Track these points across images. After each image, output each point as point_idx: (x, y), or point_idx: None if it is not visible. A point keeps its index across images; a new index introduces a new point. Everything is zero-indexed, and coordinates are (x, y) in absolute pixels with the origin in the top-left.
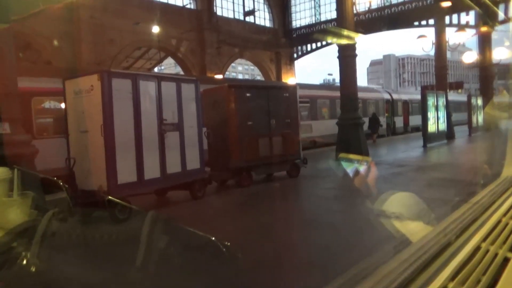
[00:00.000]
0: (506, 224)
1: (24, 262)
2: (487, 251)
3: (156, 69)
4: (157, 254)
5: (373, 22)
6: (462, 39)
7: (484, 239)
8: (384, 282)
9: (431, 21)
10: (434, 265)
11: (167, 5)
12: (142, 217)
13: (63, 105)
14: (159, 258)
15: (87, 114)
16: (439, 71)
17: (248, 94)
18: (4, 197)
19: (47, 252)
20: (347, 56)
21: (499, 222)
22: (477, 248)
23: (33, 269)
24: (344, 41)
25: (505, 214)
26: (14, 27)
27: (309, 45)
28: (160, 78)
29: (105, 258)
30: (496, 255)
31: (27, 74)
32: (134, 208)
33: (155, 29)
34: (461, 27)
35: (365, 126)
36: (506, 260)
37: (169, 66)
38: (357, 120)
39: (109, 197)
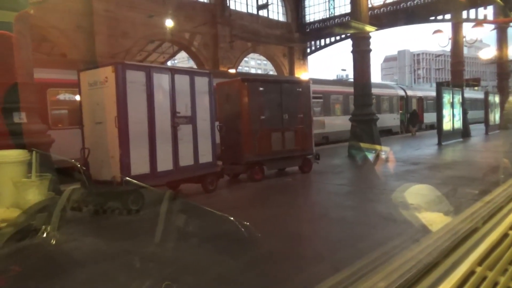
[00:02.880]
0: None
1: (45, 235)
2: None
3: (169, 63)
4: (175, 231)
5: (388, 17)
6: (480, 34)
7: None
8: (407, 265)
9: (448, 16)
10: (460, 250)
11: None
12: (158, 198)
13: (77, 97)
14: (177, 235)
15: (101, 105)
16: (455, 67)
17: (261, 88)
18: (23, 178)
19: (66, 225)
20: (361, 51)
21: None
22: (504, 235)
23: (53, 241)
24: (358, 36)
25: None
26: (30, 19)
27: (322, 40)
28: (174, 71)
29: (124, 232)
30: None
31: (42, 65)
32: (151, 189)
33: (169, 22)
34: (478, 22)
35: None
36: None
37: (182, 60)
38: (371, 116)
39: (127, 178)
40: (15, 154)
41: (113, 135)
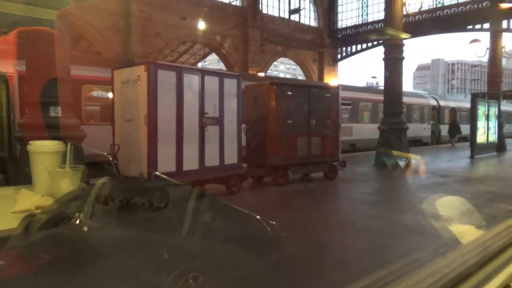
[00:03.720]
0: None
1: (77, 222)
2: None
3: (199, 64)
4: (202, 227)
5: (423, 24)
6: None
7: None
8: (432, 278)
9: (486, 25)
10: (492, 264)
11: (213, 1)
12: (186, 194)
13: (110, 94)
14: (204, 230)
15: (132, 103)
16: (492, 79)
17: (289, 93)
18: (58, 168)
19: (99, 214)
20: (393, 58)
21: None
22: None
23: (85, 228)
24: (391, 43)
25: None
26: (69, 18)
27: (353, 47)
28: (204, 72)
29: (151, 226)
30: None
31: (78, 63)
32: (178, 185)
33: (201, 24)
34: None
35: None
36: None
37: (212, 61)
38: (400, 125)
39: (156, 172)
40: (51, 145)
41: (143, 132)
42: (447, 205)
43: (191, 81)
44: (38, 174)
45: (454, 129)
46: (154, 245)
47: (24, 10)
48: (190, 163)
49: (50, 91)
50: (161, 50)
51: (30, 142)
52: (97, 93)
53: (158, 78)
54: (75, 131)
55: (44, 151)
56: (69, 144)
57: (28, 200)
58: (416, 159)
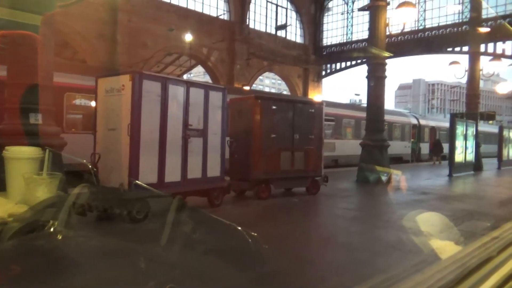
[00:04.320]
0: None
1: (51, 230)
2: None
3: (185, 76)
4: (182, 237)
5: (405, 45)
6: (497, 68)
7: None
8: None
9: (465, 48)
10: (475, 276)
11: (201, 14)
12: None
13: (93, 103)
14: (183, 240)
15: (116, 112)
16: (470, 99)
17: (274, 107)
18: (34, 175)
19: (74, 222)
20: (376, 76)
21: None
22: None
23: (59, 237)
24: (374, 61)
25: None
26: (55, 24)
27: (338, 64)
28: (189, 84)
29: (129, 236)
30: None
31: (62, 70)
32: (159, 195)
33: (188, 36)
34: (496, 56)
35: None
36: None
37: (198, 74)
38: (382, 142)
39: (136, 181)
40: (28, 151)
41: (125, 142)
42: (427, 221)
43: (176, 92)
44: (13, 181)
45: (438, 148)
46: (131, 255)
47: (8, 14)
48: (172, 174)
49: (31, 97)
50: (147, 61)
51: (6, 147)
52: (80, 101)
53: (143, 88)
54: (55, 139)
55: (20, 157)
56: (47, 150)
57: (1, 207)
58: (397, 175)
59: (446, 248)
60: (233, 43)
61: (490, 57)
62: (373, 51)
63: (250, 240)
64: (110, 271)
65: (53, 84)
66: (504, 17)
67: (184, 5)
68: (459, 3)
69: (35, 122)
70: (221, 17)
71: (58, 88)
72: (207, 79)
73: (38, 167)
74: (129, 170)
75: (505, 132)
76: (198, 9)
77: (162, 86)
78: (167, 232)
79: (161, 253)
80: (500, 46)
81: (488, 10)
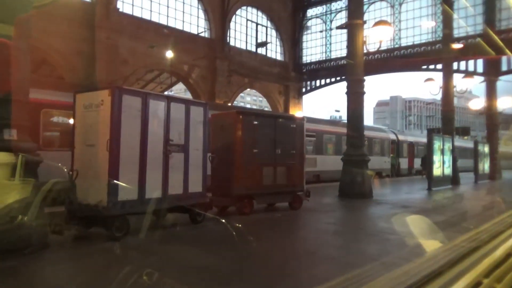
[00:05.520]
0: None
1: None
2: None
3: (166, 93)
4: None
5: (382, 63)
6: (469, 85)
7: None
8: (404, 277)
9: (439, 66)
10: (464, 263)
11: (182, 31)
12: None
13: (71, 120)
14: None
15: (94, 128)
16: (446, 115)
17: (255, 122)
18: (6, 180)
19: (45, 215)
20: (355, 92)
21: None
22: (509, 254)
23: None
24: (353, 78)
25: None
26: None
27: (318, 81)
28: (170, 99)
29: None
30: None
31: (38, 86)
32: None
33: (169, 53)
34: (468, 73)
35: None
36: None
37: (179, 91)
38: (362, 157)
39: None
40: None
41: (104, 158)
42: (408, 234)
43: (157, 108)
44: None
45: (425, 162)
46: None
47: None
48: (153, 191)
49: (5, 112)
50: (127, 78)
51: None
52: (57, 118)
53: (122, 103)
54: (31, 156)
55: None
56: (20, 155)
57: None
58: (378, 190)
59: (425, 262)
60: (214, 60)
61: (463, 74)
62: (349, 69)
63: (234, 232)
64: (83, 255)
65: (29, 100)
66: (473, 36)
67: (165, 22)
68: (432, 20)
69: (9, 138)
70: (202, 34)
71: (34, 104)
72: (188, 96)
73: (10, 173)
74: (108, 186)
75: (480, 147)
76: (179, 26)
77: (143, 101)
78: (147, 223)
79: (138, 242)
80: (472, 64)
81: (459, 30)
